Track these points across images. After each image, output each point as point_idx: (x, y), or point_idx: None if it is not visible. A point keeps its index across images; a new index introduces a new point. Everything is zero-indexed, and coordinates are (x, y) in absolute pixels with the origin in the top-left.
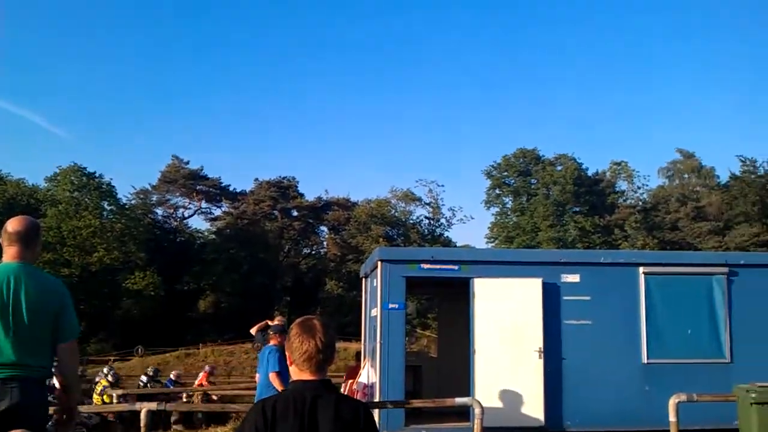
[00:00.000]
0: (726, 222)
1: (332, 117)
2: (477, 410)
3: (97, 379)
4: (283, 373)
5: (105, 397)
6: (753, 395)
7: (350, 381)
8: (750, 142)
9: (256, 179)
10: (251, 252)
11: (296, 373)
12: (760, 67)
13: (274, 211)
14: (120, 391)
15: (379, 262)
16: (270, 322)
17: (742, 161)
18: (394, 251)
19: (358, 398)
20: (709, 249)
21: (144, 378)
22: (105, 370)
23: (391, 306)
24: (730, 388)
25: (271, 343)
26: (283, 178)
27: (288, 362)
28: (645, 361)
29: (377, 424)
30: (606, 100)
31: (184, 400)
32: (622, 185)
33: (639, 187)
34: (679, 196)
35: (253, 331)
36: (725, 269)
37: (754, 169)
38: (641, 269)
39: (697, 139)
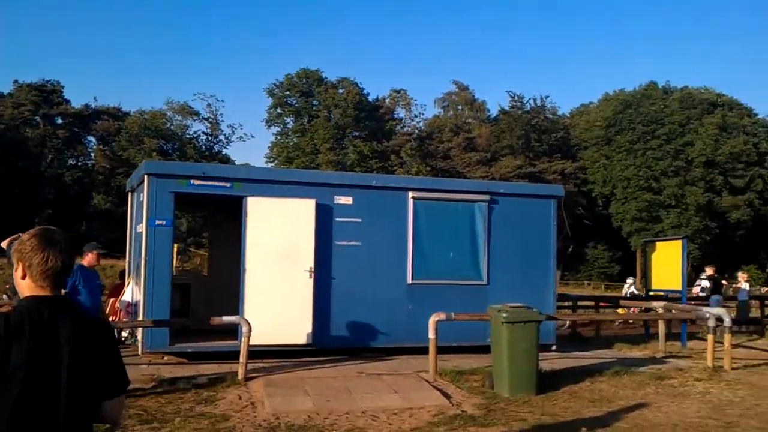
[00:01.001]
0: (493, 153)
1: (102, 20)
2: (245, 328)
3: None
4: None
5: None
6: (504, 315)
7: (113, 299)
8: (519, 78)
9: (16, 81)
10: (8, 160)
11: (32, 288)
12: (538, 12)
13: (36, 117)
14: None
15: (146, 176)
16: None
17: (511, 97)
18: (163, 165)
19: (121, 317)
20: (477, 178)
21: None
22: None
23: (157, 222)
24: (486, 308)
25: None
26: (47, 81)
27: (20, 275)
28: (410, 281)
29: (140, 343)
30: (390, 27)
31: None
32: (401, 113)
33: (416, 116)
34: (453, 127)
35: (3, 244)
36: (487, 197)
37: (521, 105)
38: (410, 194)
39: (471, 73)
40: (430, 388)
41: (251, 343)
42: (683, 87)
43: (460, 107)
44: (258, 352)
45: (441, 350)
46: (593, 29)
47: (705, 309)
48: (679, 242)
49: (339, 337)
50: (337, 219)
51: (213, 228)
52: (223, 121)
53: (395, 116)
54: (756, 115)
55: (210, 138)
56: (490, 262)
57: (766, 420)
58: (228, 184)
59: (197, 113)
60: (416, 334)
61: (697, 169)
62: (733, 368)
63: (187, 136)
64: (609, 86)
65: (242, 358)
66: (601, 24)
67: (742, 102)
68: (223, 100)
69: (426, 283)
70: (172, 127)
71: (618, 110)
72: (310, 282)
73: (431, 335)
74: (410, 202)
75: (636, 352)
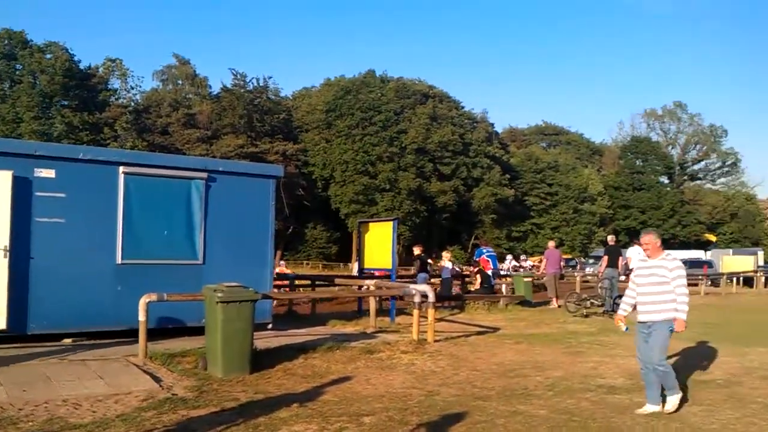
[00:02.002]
0: (215, 131)
1: None
2: None
3: None
4: None
5: None
6: (219, 294)
7: None
8: (242, 57)
9: None
10: None
11: None
12: None
13: None
14: None
15: None
16: None
17: (234, 75)
18: None
19: None
20: (197, 156)
21: None
22: None
23: None
24: (202, 288)
25: None
26: None
27: None
28: (119, 261)
29: None
30: None
31: None
32: (116, 83)
33: (132, 88)
34: (172, 102)
35: None
36: (204, 174)
37: (244, 84)
38: (121, 168)
39: (193, 48)
40: (140, 372)
41: None
42: (399, 77)
43: (180, 81)
44: None
45: (156, 333)
46: (316, 14)
47: (411, 286)
48: (390, 224)
49: (40, 322)
50: (38, 194)
51: None
52: None
53: (109, 87)
54: (462, 108)
55: None
56: (206, 242)
57: (463, 388)
58: None
59: None
60: (127, 316)
61: (409, 155)
62: (435, 341)
63: None
64: (330, 72)
65: None
66: (323, 10)
67: (451, 95)
68: None
69: (138, 263)
70: None
71: (338, 96)
72: (5, 262)
73: (141, 317)
74: (121, 177)
75: (349, 328)
